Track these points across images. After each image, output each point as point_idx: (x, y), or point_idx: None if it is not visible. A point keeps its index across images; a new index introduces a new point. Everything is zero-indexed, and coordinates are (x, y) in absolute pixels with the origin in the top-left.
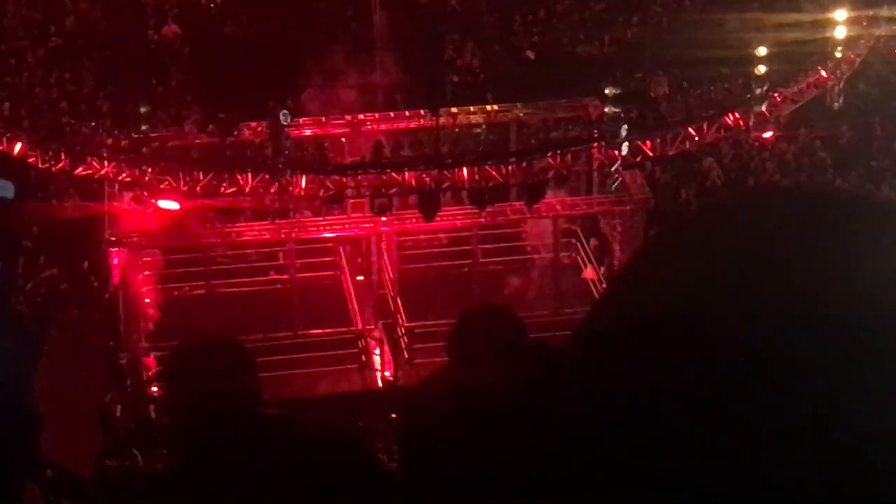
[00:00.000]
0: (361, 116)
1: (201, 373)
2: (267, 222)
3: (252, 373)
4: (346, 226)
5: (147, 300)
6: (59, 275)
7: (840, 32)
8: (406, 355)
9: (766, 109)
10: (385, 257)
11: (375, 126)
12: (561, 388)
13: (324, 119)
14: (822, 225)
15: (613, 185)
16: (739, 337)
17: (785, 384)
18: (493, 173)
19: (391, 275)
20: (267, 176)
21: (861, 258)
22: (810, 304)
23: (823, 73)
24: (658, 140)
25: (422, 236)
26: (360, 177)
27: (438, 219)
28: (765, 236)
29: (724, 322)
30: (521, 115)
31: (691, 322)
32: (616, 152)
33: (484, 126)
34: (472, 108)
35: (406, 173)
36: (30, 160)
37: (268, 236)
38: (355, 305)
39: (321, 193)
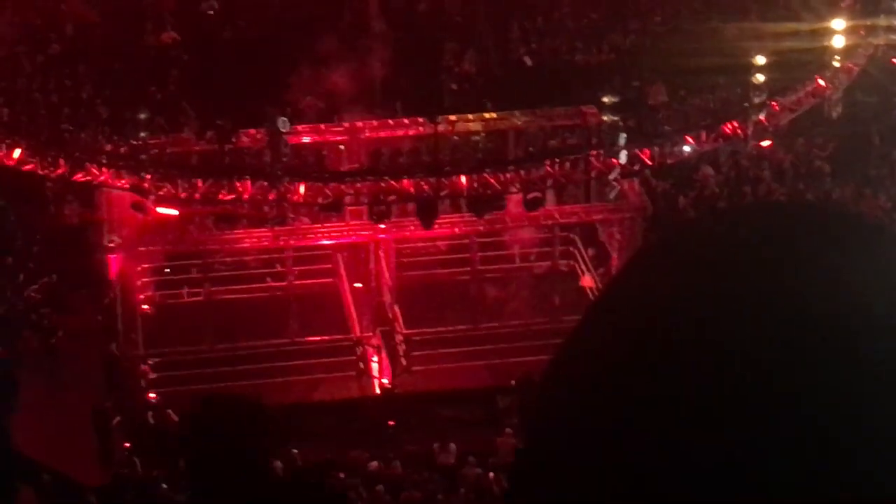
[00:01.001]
0: (360, 124)
1: (218, 435)
2: (265, 229)
3: (264, 434)
4: (345, 233)
5: (145, 306)
6: (57, 281)
7: (838, 42)
8: (404, 362)
9: (765, 118)
10: (383, 264)
11: (374, 134)
12: (552, 397)
13: (322, 126)
14: (815, 238)
15: (612, 194)
16: (734, 345)
17: (781, 389)
18: (492, 181)
19: (389, 282)
20: (265, 183)
21: (853, 270)
22: (804, 312)
23: (822, 82)
24: (656, 148)
25: (420, 244)
26: (358, 184)
27: (437, 226)
28: (759, 248)
29: (719, 330)
30: (519, 123)
31: (684, 330)
32: (614, 160)
33: (482, 134)
34: (470, 116)
35: (404, 181)
36: (28, 166)
37: (266, 243)
38: (353, 312)
39: (319, 200)
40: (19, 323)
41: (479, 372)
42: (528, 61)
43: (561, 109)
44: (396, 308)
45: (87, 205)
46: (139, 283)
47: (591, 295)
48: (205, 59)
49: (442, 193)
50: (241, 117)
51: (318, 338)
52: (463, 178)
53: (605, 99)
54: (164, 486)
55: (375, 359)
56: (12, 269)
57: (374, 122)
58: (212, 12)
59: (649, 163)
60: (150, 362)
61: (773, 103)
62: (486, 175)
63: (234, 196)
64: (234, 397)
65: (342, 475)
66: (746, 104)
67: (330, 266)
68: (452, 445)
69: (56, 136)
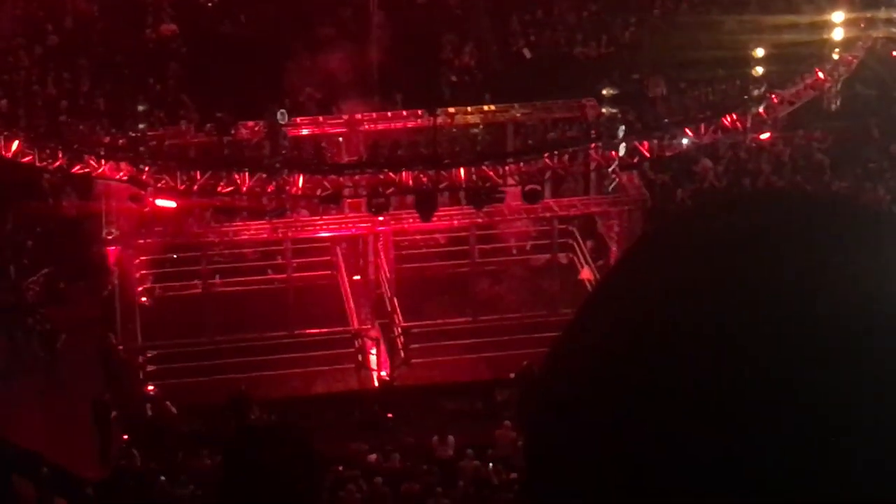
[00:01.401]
0: (359, 116)
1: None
2: (264, 221)
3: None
4: (343, 225)
5: (144, 298)
6: (55, 273)
7: (837, 34)
8: (402, 355)
9: (764, 111)
10: (382, 257)
11: (373, 126)
12: (551, 390)
13: (321, 118)
14: (813, 227)
15: (611, 186)
16: (733, 337)
17: (780, 383)
18: (491, 174)
19: (388, 274)
20: (264, 175)
21: (855, 261)
22: (804, 305)
23: (821, 74)
24: (655, 141)
25: (419, 236)
26: (357, 176)
27: (435, 219)
28: (759, 238)
29: (717, 322)
30: (518, 115)
31: (683, 322)
32: (613, 153)
33: (481, 126)
34: (469, 109)
35: (403, 173)
36: (27, 158)
37: (265, 235)
38: (352, 305)
39: (318, 193)
40: (18, 315)
41: (477, 365)
42: (528, 54)
43: (560, 102)
44: (395, 300)
45: (86, 197)
46: (137, 275)
47: (589, 287)
48: (204, 51)
49: (441, 186)
50: (239, 110)
51: (316, 330)
52: (462, 171)
53: (605, 91)
54: (163, 478)
55: (374, 351)
56: (10, 261)
57: (373, 115)
58: (211, 4)
59: (648, 155)
60: (148, 354)
61: (773, 96)
62: (484, 168)
63: (232, 188)
64: (278, 430)
65: (341, 468)
66: (745, 97)
67: (329, 258)
68: (451, 438)
69: (54, 128)
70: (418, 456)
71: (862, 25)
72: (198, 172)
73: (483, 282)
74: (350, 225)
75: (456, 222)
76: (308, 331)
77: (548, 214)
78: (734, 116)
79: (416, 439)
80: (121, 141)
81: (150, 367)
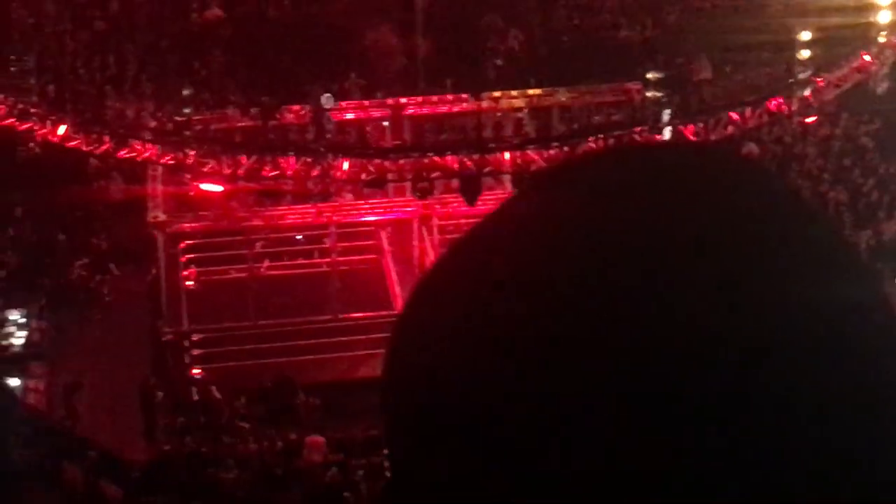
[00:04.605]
0: (403, 100)
1: None
2: (309, 205)
3: None
4: (388, 209)
5: (190, 282)
6: (103, 257)
7: (884, 17)
8: None
9: (809, 94)
10: (426, 241)
11: (417, 110)
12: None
13: (366, 103)
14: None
15: None
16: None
17: (651, 342)
18: (536, 158)
19: (433, 259)
20: (309, 159)
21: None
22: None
23: (867, 57)
24: (700, 125)
25: (463, 220)
26: (401, 161)
27: (480, 203)
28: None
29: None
30: (563, 99)
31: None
32: (658, 137)
33: (526, 110)
34: (514, 93)
35: (448, 157)
36: (73, 143)
37: (310, 219)
38: (396, 289)
39: (363, 177)
40: (65, 299)
41: None
42: (570, 38)
43: (605, 86)
44: None
45: (132, 181)
46: (183, 258)
47: None
48: (250, 35)
49: (485, 170)
50: (285, 94)
51: (360, 314)
52: (506, 155)
53: (650, 75)
54: (209, 462)
55: None
56: (60, 245)
57: (418, 99)
58: None
59: (693, 139)
60: (194, 338)
61: (818, 79)
62: (529, 152)
63: (277, 172)
64: None
65: (386, 451)
66: (791, 80)
67: (373, 242)
68: None
69: (100, 112)
70: None
71: None
72: (243, 156)
73: None
74: (394, 209)
75: None
76: (352, 315)
77: None
78: (780, 100)
79: None
80: (167, 125)
81: (195, 351)
